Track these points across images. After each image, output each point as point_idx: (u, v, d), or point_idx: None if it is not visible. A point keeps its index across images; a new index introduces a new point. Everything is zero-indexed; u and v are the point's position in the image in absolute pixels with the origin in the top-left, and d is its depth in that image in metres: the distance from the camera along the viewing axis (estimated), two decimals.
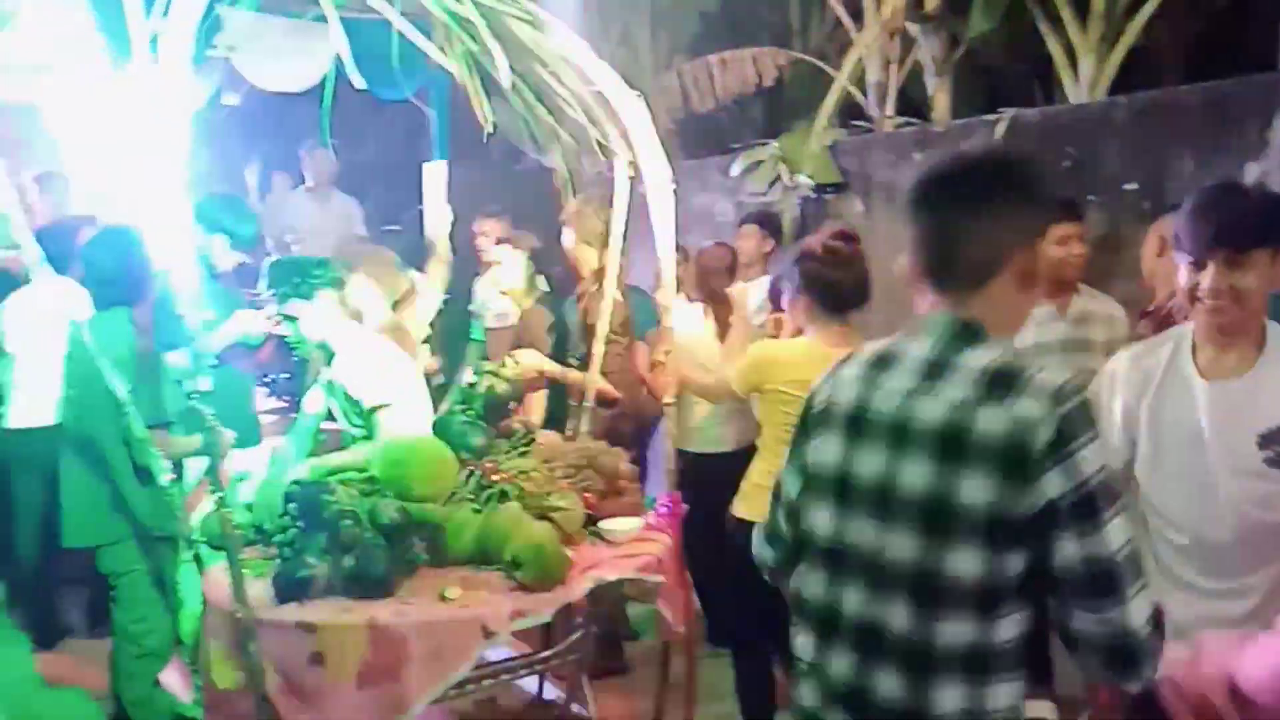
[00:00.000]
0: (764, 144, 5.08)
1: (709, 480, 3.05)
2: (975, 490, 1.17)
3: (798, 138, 4.89)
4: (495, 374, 2.81)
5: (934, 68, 4.86)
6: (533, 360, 3.39)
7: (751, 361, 2.76)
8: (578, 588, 2.39)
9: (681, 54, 6.23)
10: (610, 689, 3.45)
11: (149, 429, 2.57)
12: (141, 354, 2.71)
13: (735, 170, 5.14)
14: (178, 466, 2.75)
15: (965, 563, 1.18)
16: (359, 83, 2.36)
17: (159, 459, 2.53)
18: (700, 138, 6.20)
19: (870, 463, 1.27)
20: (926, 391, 1.24)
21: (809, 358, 2.59)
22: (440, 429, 2.70)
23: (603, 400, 3.44)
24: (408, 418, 2.71)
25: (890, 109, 5.13)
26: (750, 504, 2.74)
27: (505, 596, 2.27)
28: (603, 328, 3.42)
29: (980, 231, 1.24)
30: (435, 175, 5.78)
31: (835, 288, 2.63)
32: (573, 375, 3.50)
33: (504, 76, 2.68)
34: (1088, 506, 1.14)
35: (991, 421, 1.17)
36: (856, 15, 5.26)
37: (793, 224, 4.82)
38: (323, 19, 4.56)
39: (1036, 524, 1.15)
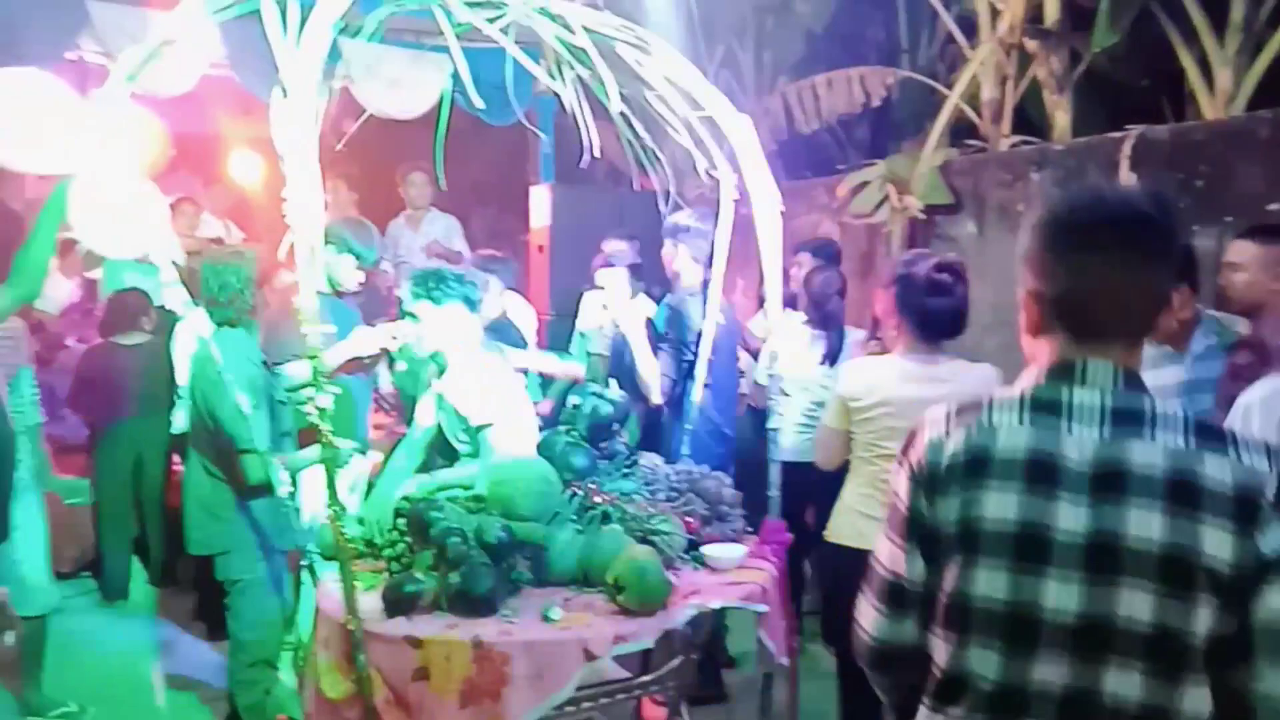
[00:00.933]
0: (871, 164, 4.98)
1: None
2: (1215, 543, 1.09)
3: (906, 158, 4.78)
4: (599, 395, 2.82)
5: (1054, 84, 4.67)
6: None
7: (843, 378, 2.75)
8: (680, 614, 2.35)
9: (785, 75, 6.19)
10: (709, 717, 3.39)
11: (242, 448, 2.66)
12: (261, 372, 2.82)
13: (841, 191, 5.05)
14: (294, 479, 2.84)
15: (1204, 621, 1.09)
16: (479, 106, 2.41)
17: (277, 471, 2.63)
18: (804, 159, 6.13)
19: (1072, 515, 1.14)
20: (1134, 437, 1.14)
21: (900, 377, 2.60)
22: (544, 449, 2.72)
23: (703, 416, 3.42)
24: (513, 437, 2.75)
25: (1006, 127, 4.96)
26: (842, 529, 2.70)
27: (607, 619, 2.26)
28: (705, 349, 3.42)
29: (1146, 284, 1.19)
30: (541, 197, 5.91)
31: (933, 316, 2.57)
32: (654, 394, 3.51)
33: (614, 103, 2.71)
34: None
35: (1219, 470, 1.11)
36: (969, 31, 5.12)
37: (901, 246, 4.70)
38: (435, 49, 4.73)
39: (1256, 578, 1.08)
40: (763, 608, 2.52)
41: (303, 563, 2.57)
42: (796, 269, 4.15)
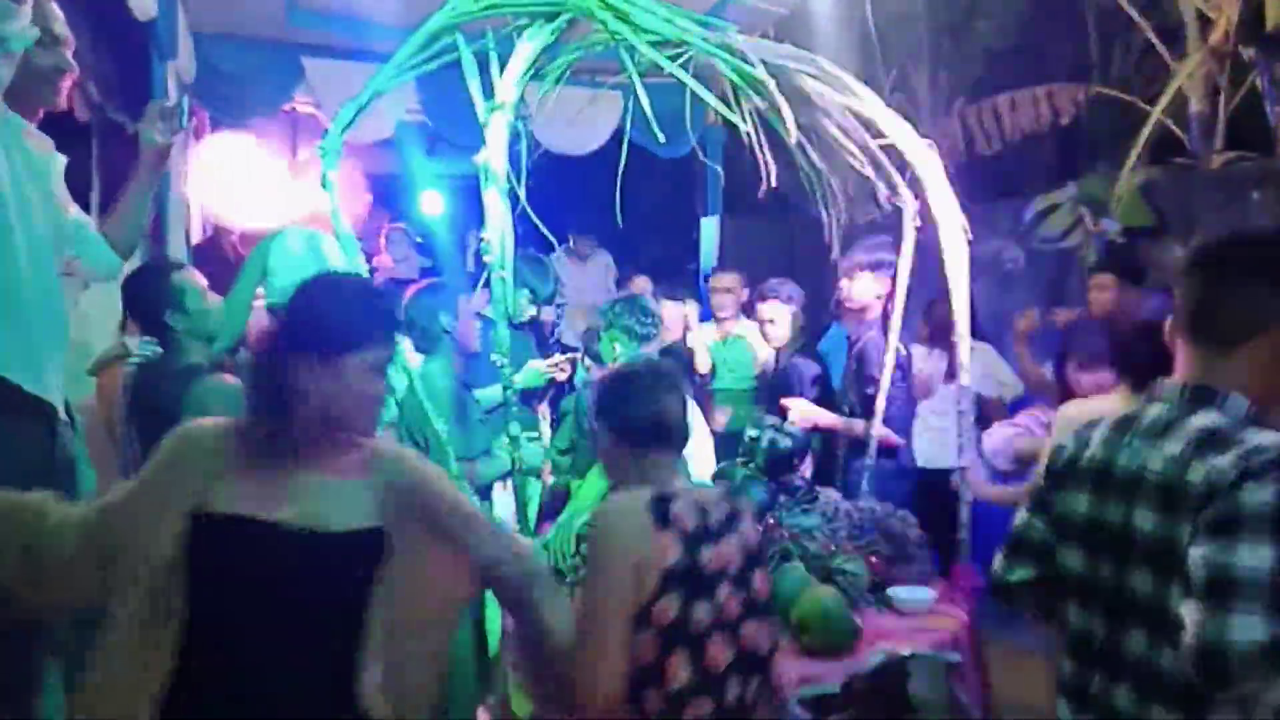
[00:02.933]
0: (1062, 186, 4.71)
1: None
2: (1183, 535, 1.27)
3: (1102, 178, 4.48)
4: (777, 428, 2.78)
5: (1277, 94, 4.26)
6: (806, 409, 3.37)
7: (1060, 420, 2.60)
8: (868, 659, 2.27)
9: (963, 96, 5.97)
10: None
11: (459, 461, 2.77)
12: (456, 395, 2.96)
13: (1029, 215, 4.80)
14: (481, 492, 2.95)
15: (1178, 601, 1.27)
16: (661, 141, 2.47)
17: (469, 494, 2.73)
18: (985, 182, 5.88)
19: (1114, 513, 1.38)
20: (1154, 448, 1.35)
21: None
22: (721, 480, 2.71)
23: (886, 451, 3.31)
24: (692, 465, 2.74)
25: (1219, 143, 4.56)
26: None
27: (791, 660, 2.21)
28: (885, 381, 3.32)
29: (1238, 298, 1.34)
30: (711, 229, 5.95)
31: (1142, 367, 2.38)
32: (856, 425, 3.41)
33: (792, 133, 2.70)
34: (1231, 522, 1.22)
35: (1196, 473, 1.27)
36: (1170, 41, 4.77)
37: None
38: (609, 86, 4.87)
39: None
40: (955, 657, 2.40)
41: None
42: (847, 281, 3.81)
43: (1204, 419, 1.32)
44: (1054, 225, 4.65)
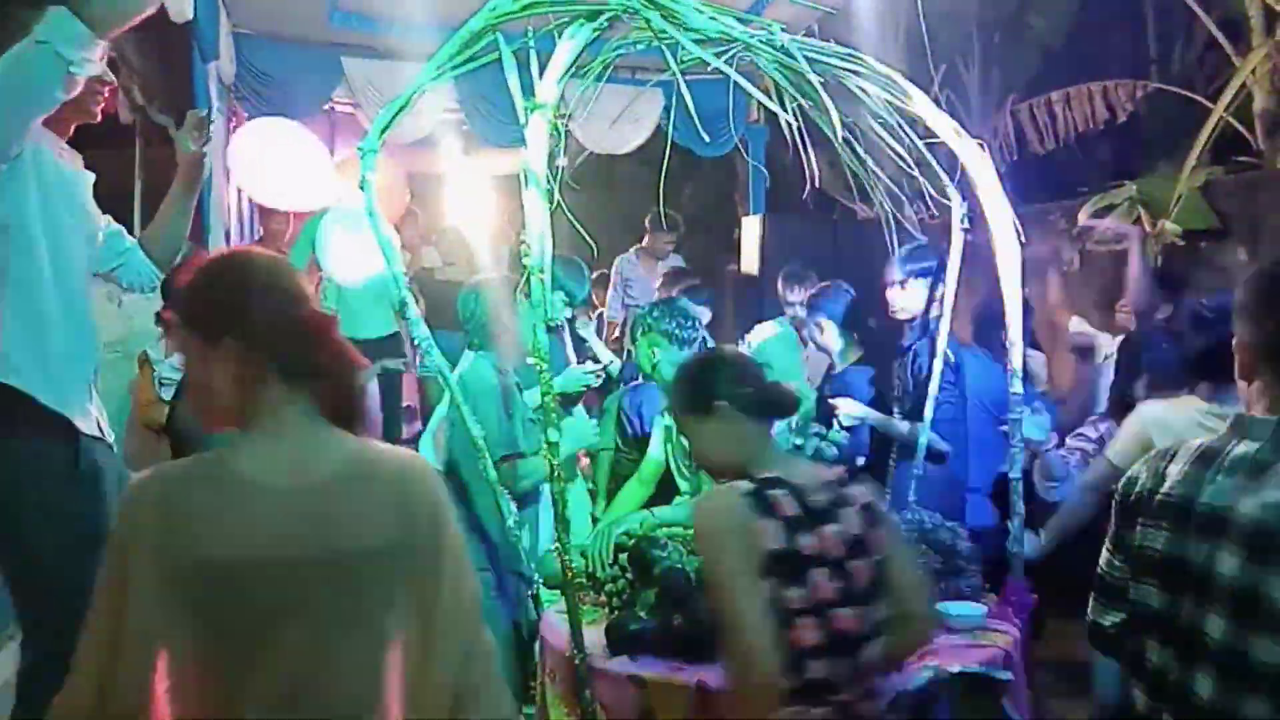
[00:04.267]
0: (1119, 186, 4.55)
1: None
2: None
3: (1161, 178, 4.32)
4: (821, 435, 2.69)
5: None
6: (854, 408, 3.29)
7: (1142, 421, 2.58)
8: (914, 676, 2.18)
9: (1016, 93, 5.81)
10: None
11: (504, 459, 2.71)
12: (507, 391, 2.90)
13: (1083, 216, 4.64)
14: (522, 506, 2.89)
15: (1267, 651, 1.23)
16: (705, 139, 2.40)
17: (507, 499, 2.68)
18: (1038, 182, 5.72)
19: (1196, 552, 1.32)
20: (1249, 490, 1.28)
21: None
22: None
23: (934, 458, 3.20)
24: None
25: None
26: None
27: None
28: (933, 387, 3.22)
29: None
30: (752, 228, 5.86)
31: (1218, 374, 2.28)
32: (898, 426, 3.32)
33: (837, 132, 2.62)
34: None
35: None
36: (1235, 36, 4.59)
37: (1153, 274, 4.24)
38: (652, 85, 4.80)
39: None
40: (1007, 675, 2.29)
41: (529, 591, 2.60)
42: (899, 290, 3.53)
43: None
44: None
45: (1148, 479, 1.43)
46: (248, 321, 1.24)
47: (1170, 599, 1.37)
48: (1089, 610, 1.52)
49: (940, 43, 6.00)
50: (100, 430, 1.95)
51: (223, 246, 4.25)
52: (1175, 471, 1.39)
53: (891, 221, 3.18)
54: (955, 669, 2.23)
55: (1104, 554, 1.50)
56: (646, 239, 5.82)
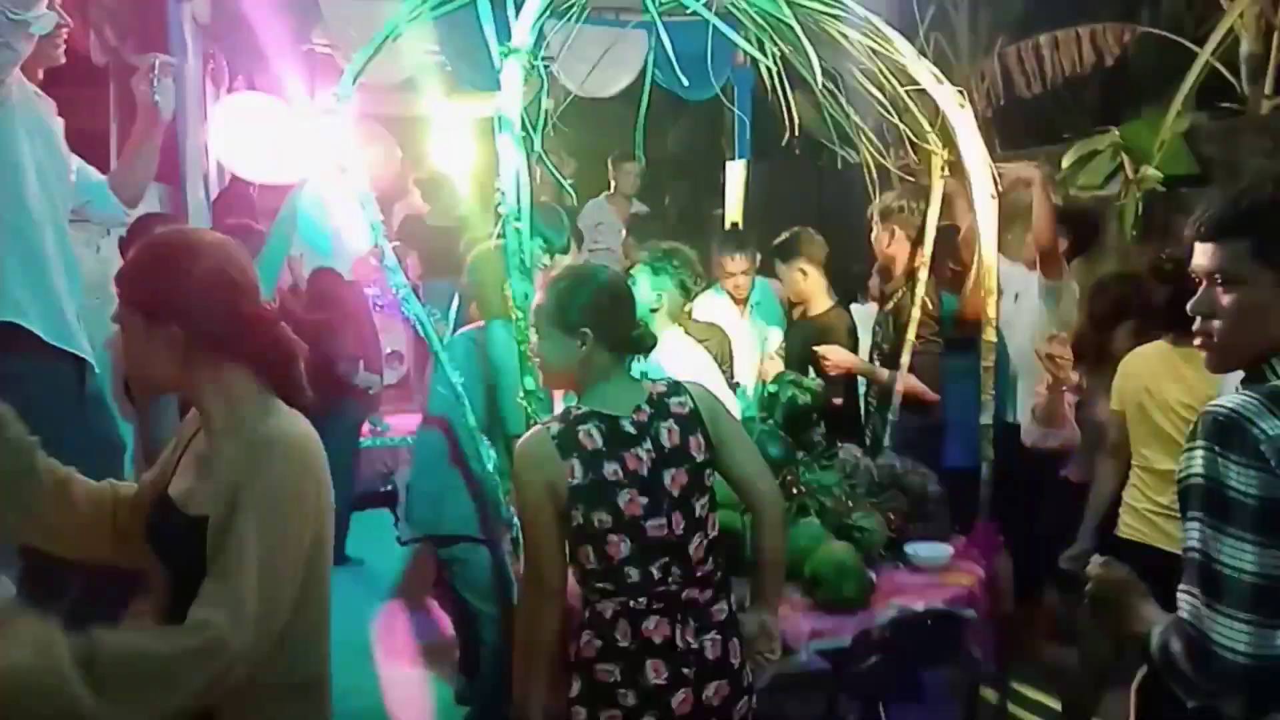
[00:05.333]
0: (1104, 131, 4.52)
1: None
2: None
3: (1145, 124, 4.30)
4: (797, 383, 2.73)
5: None
6: (841, 356, 3.36)
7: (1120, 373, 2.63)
8: (880, 614, 2.26)
9: (1006, 34, 5.73)
10: (910, 715, 3.25)
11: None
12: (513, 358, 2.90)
13: (1066, 162, 4.63)
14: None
15: None
16: (684, 84, 2.39)
17: (487, 445, 2.70)
18: (1025, 126, 5.67)
19: None
20: None
21: (1157, 364, 2.50)
22: None
23: (912, 404, 3.26)
24: None
25: (1269, 86, 4.35)
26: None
27: (804, 615, 2.21)
28: (910, 335, 3.26)
29: None
30: (737, 173, 5.81)
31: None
32: (881, 373, 3.38)
33: (816, 77, 2.61)
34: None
35: None
36: None
37: (1137, 222, 4.25)
38: (635, 26, 4.73)
39: None
40: (970, 613, 2.37)
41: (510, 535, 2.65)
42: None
43: None
44: (1093, 173, 4.49)
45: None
46: (190, 311, 1.29)
47: None
48: (1248, 640, 1.16)
49: None
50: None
51: (198, 196, 4.23)
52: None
53: (873, 168, 3.20)
54: (920, 607, 2.32)
55: (1258, 557, 1.16)
56: (612, 177, 5.81)
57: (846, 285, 4.35)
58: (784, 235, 3.73)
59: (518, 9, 2.39)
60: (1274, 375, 1.25)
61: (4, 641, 1.03)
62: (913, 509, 2.64)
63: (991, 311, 2.78)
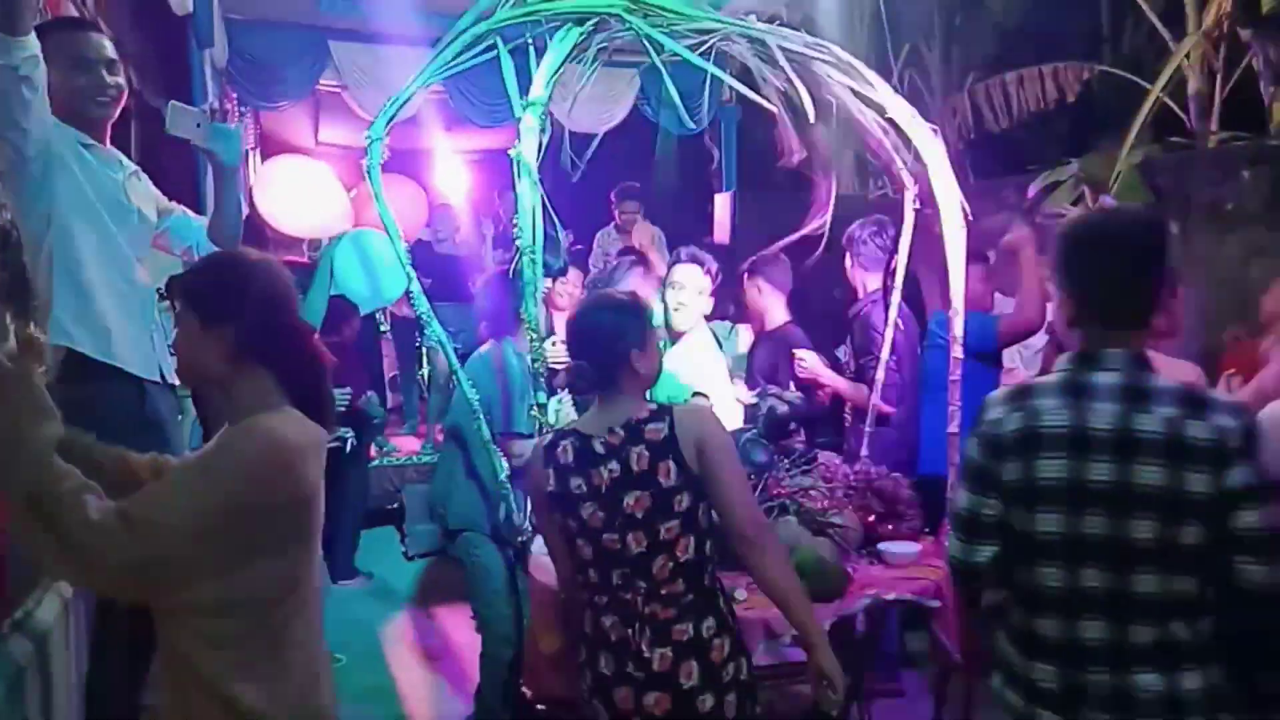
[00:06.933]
0: (1066, 163, 4.84)
1: None
2: (1196, 483, 1.47)
3: (1103, 156, 4.61)
4: (777, 396, 2.97)
5: (1271, 75, 4.37)
6: (815, 365, 3.59)
7: None
8: (856, 603, 2.48)
9: (976, 71, 6.07)
10: (890, 711, 3.46)
11: (504, 436, 2.99)
12: (525, 374, 3.15)
13: (1032, 191, 4.94)
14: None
15: (1190, 537, 1.48)
16: (686, 124, 2.67)
17: (499, 457, 2.94)
18: (996, 158, 6.00)
19: (1103, 470, 1.52)
20: (1141, 410, 1.50)
21: None
22: None
23: (881, 420, 3.50)
24: None
25: (1214, 123, 4.68)
26: None
27: None
28: (885, 352, 3.49)
29: (1145, 284, 1.57)
30: (724, 205, 6.11)
31: None
32: (849, 388, 3.60)
33: (811, 114, 2.87)
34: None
35: (1199, 431, 1.47)
36: (1173, 22, 4.86)
37: None
38: (628, 65, 5.01)
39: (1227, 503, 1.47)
40: (935, 603, 2.60)
41: (520, 539, 2.88)
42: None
43: (1162, 380, 1.53)
44: (1057, 201, 4.79)
45: (1018, 420, 1.59)
46: (239, 317, 1.47)
47: (1074, 519, 1.53)
48: (954, 550, 1.67)
49: (904, 23, 6.25)
50: (162, 377, 2.21)
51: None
52: (1049, 406, 1.57)
53: (842, 194, 3.46)
54: (890, 596, 2.55)
55: (967, 497, 1.64)
56: (616, 211, 6.12)
57: (828, 306, 4.65)
58: (750, 259, 4.01)
59: (537, 55, 2.67)
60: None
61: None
62: (886, 510, 2.88)
63: (958, 330, 3.03)
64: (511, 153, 2.52)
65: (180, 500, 1.37)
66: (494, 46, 2.67)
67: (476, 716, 3.19)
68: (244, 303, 1.48)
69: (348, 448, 4.38)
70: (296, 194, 4.77)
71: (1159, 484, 1.48)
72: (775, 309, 3.89)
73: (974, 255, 3.65)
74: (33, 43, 1.90)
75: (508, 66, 2.54)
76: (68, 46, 2.13)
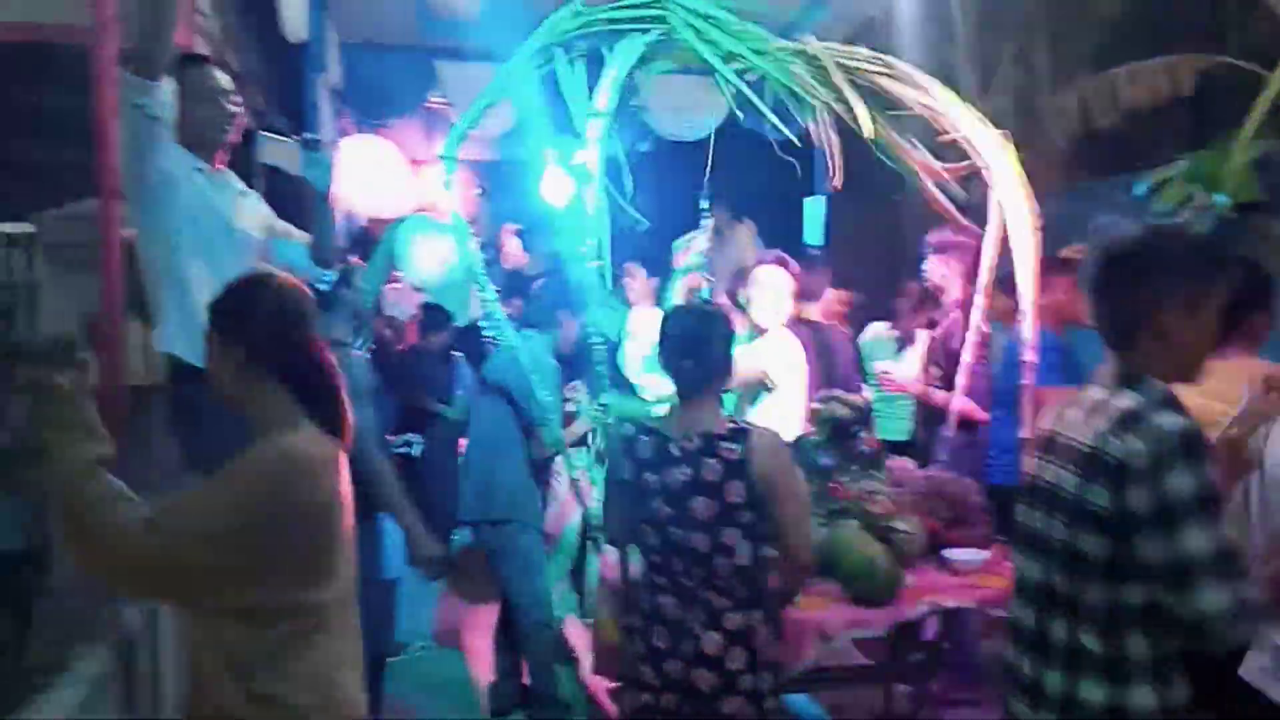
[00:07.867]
0: (1178, 160, 4.60)
1: None
2: (1097, 496, 1.53)
3: (1216, 152, 4.36)
4: (840, 400, 2.99)
5: None
6: (900, 376, 3.69)
7: None
8: (913, 609, 2.50)
9: (1087, 68, 5.82)
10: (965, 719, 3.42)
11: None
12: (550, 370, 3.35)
13: (1139, 190, 4.72)
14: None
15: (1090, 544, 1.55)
16: (786, 134, 2.77)
17: (567, 454, 3.11)
18: (1109, 156, 5.73)
19: (1049, 474, 1.65)
20: (1093, 423, 1.57)
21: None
22: (795, 448, 2.96)
23: (965, 424, 3.46)
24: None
25: None
26: None
27: (842, 607, 2.48)
28: (966, 357, 3.45)
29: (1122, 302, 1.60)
30: (815, 208, 6.10)
31: None
32: (936, 395, 3.59)
33: (866, 130, 2.90)
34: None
35: (1114, 448, 1.51)
36: None
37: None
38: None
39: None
40: (999, 612, 2.57)
41: (590, 536, 3.03)
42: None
43: (1123, 399, 1.56)
44: (1165, 200, 4.56)
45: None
46: (253, 336, 1.57)
47: (1029, 515, 1.70)
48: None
49: (1009, 24, 6.05)
50: None
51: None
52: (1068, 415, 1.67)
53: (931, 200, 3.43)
54: (950, 604, 2.55)
55: None
56: (713, 218, 6.22)
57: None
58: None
59: (600, 65, 2.79)
60: None
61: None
62: (954, 516, 2.86)
63: (1027, 334, 2.98)
64: (575, 163, 2.65)
65: (202, 511, 1.47)
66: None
67: (531, 698, 3.35)
68: (253, 321, 1.58)
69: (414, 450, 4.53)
70: (366, 174, 4.92)
71: (1072, 492, 1.58)
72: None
73: (1067, 263, 3.56)
74: (166, 88, 2.16)
75: (565, 75, 2.67)
76: (193, 80, 2.37)
